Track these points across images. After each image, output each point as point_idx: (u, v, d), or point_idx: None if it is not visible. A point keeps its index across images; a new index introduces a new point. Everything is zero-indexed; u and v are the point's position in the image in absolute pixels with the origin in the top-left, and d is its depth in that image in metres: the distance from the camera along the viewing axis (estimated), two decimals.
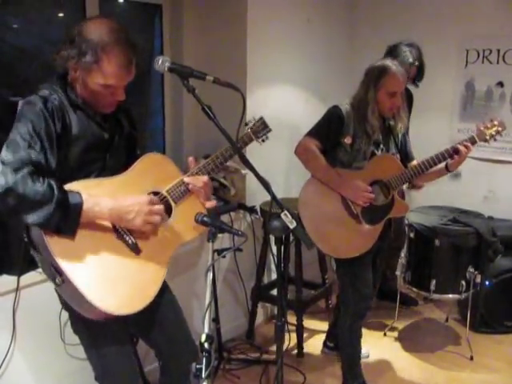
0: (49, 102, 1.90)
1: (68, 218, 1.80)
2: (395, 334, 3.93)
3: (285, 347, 3.54)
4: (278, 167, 3.88)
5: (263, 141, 2.39)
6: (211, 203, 2.23)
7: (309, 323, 3.89)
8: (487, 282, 3.83)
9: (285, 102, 3.92)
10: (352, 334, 3.11)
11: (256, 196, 3.49)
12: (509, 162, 4.20)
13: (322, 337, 3.69)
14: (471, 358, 3.62)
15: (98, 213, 1.87)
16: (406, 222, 3.81)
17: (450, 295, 3.66)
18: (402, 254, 3.72)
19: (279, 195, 3.74)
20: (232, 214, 3.43)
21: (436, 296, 3.67)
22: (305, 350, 3.64)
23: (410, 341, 3.84)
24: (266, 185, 1.98)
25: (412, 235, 3.73)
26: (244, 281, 3.70)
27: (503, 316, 3.96)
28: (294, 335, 3.61)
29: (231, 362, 3.48)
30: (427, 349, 3.75)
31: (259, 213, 3.52)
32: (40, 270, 2.54)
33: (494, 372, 3.51)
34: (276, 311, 3.92)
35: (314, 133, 2.93)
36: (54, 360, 2.71)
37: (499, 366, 3.58)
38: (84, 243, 1.88)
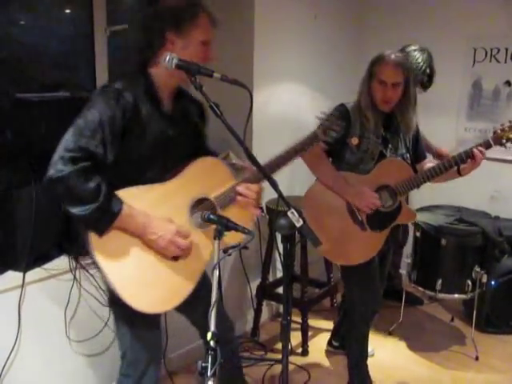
0: (121, 96, 1.97)
1: (102, 221, 1.91)
2: (400, 332, 3.91)
3: (289, 345, 3.56)
4: None
5: (331, 138, 2.35)
6: (257, 212, 2.26)
7: (313, 322, 3.88)
8: (493, 282, 3.82)
9: (291, 99, 3.90)
10: (360, 338, 3.10)
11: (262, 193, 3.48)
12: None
13: (327, 335, 3.69)
14: (476, 358, 3.61)
15: (128, 224, 1.96)
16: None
17: (456, 295, 3.65)
18: (408, 253, 3.70)
19: (283, 193, 3.75)
20: None
21: (442, 296, 3.67)
22: (309, 349, 3.64)
23: (415, 340, 3.83)
24: (273, 183, 1.98)
25: (418, 234, 3.72)
26: (249, 279, 3.69)
27: (509, 316, 3.95)
28: (298, 333, 3.61)
29: None
30: (432, 348, 3.74)
31: (265, 210, 3.52)
32: (45, 266, 2.59)
33: (499, 372, 3.50)
34: (281, 309, 3.95)
35: None
36: (59, 356, 2.72)
37: (505, 366, 3.57)
38: (124, 243, 1.99)
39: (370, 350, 3.51)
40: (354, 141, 2.76)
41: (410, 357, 3.65)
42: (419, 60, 3.45)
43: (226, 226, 2.30)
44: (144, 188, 2.05)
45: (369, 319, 3.10)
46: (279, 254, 2.63)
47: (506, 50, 4.14)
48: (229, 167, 2.31)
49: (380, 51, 2.77)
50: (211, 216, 2.40)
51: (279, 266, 3.84)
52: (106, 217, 1.90)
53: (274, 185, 1.97)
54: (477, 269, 3.58)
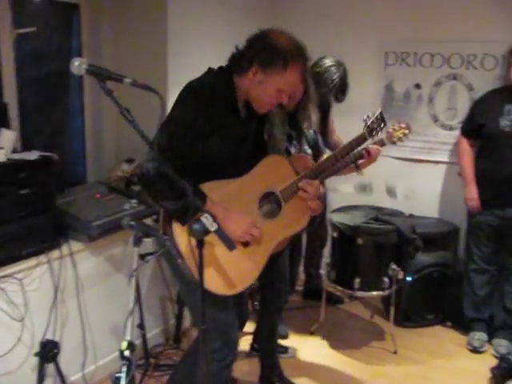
0: (203, 92, 2.20)
1: (188, 214, 2.02)
2: (322, 332, 3.97)
3: None
4: None
5: (377, 136, 2.60)
6: (313, 205, 2.47)
7: None
8: (409, 278, 3.95)
9: None
10: (271, 330, 3.20)
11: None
12: (427, 162, 4.35)
13: (249, 338, 3.69)
14: (395, 352, 3.73)
15: None
16: (329, 221, 3.87)
17: (374, 292, 3.74)
18: (326, 254, 3.77)
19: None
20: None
21: (360, 294, 3.75)
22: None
23: (336, 338, 3.90)
24: (185, 187, 1.96)
25: (335, 235, 3.79)
26: (171, 285, 3.65)
27: (424, 310, 4.11)
28: None
29: (159, 367, 3.42)
30: (353, 345, 3.82)
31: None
32: None
33: (416, 364, 3.64)
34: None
35: None
36: None
37: (421, 357, 3.71)
38: None
39: (289, 350, 3.56)
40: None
41: (332, 355, 3.71)
42: (334, 77, 3.52)
43: (146, 232, 2.29)
44: (220, 183, 2.27)
45: (279, 309, 3.17)
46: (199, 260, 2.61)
47: (415, 53, 4.30)
48: (291, 164, 2.51)
49: None
50: (132, 223, 2.38)
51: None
52: (192, 211, 2.01)
53: (187, 189, 1.96)
54: (393, 266, 3.69)
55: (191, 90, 2.22)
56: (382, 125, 2.60)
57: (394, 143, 3.04)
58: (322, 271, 3.92)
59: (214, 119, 2.18)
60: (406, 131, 3.00)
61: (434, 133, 4.33)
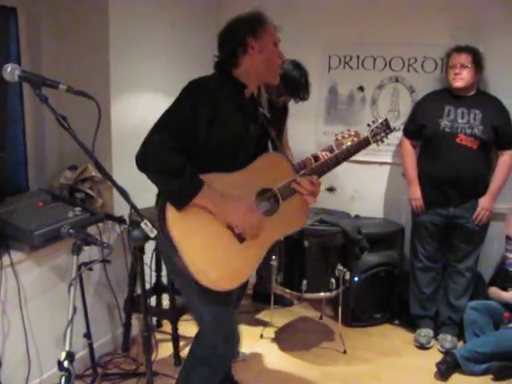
0: (209, 87, 2.29)
1: (184, 194, 2.15)
2: (272, 335, 3.99)
3: (162, 356, 3.51)
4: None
5: (381, 142, 2.61)
6: (311, 200, 2.47)
7: (186, 331, 3.86)
8: (356, 278, 4.00)
9: (151, 109, 3.81)
10: None
11: (124, 206, 3.41)
12: (372, 163, 4.41)
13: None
14: (344, 352, 3.77)
15: (207, 200, 2.20)
16: None
17: (322, 293, 3.76)
18: (274, 257, 3.78)
19: (148, 204, 3.69)
20: (100, 225, 3.32)
21: (308, 295, 3.76)
22: (182, 358, 3.61)
23: (286, 340, 3.92)
24: (124, 194, 1.96)
25: (281, 237, 3.80)
26: (118, 293, 3.60)
27: (372, 309, 4.17)
28: (171, 344, 3.58)
29: (107, 376, 3.38)
30: (303, 347, 3.85)
31: (128, 223, 3.46)
32: None
33: (366, 362, 3.68)
34: (153, 321, 3.89)
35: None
36: None
37: (370, 356, 3.76)
38: (199, 222, 2.23)
39: (240, 355, 3.56)
40: None
41: (282, 357, 3.73)
42: (298, 77, 3.60)
43: (84, 240, 2.25)
44: (218, 175, 2.28)
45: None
46: (138, 266, 2.59)
47: (358, 57, 4.37)
48: (289, 162, 2.57)
49: None
50: (71, 231, 2.34)
51: (147, 277, 3.77)
52: (189, 190, 2.14)
53: (126, 196, 1.94)
54: (339, 267, 3.72)
55: (196, 82, 2.34)
56: (388, 131, 2.60)
57: None
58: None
59: (219, 108, 2.25)
60: (355, 139, 3.03)
61: None
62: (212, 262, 2.25)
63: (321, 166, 2.51)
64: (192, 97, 2.25)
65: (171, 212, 2.20)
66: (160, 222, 2.22)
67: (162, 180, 2.19)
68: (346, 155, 2.57)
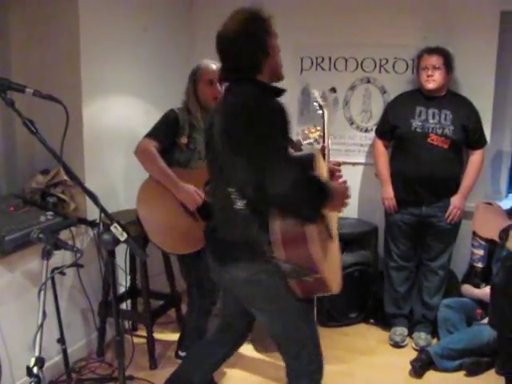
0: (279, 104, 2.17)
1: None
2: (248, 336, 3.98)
3: (137, 360, 3.50)
4: (119, 178, 3.81)
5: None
6: None
7: (161, 334, 3.86)
8: None
9: (124, 112, 3.85)
10: (198, 331, 3.21)
11: (97, 210, 3.39)
12: (345, 163, 4.42)
13: (175, 347, 3.66)
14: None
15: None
16: None
17: None
18: None
19: (122, 207, 3.69)
20: (73, 229, 3.30)
21: None
22: (158, 362, 3.60)
23: (261, 342, 3.91)
24: (93, 197, 1.95)
25: None
26: (92, 297, 3.56)
27: (347, 309, 4.19)
28: (146, 347, 3.56)
29: (81, 382, 3.35)
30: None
31: (98, 226, 3.44)
32: None
33: (341, 362, 3.69)
34: (127, 324, 3.88)
35: (152, 134, 3.08)
36: None
37: (346, 355, 3.78)
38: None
39: None
40: (183, 140, 3.05)
41: (258, 359, 3.73)
42: None
43: (54, 245, 2.24)
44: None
45: (208, 311, 3.24)
46: (110, 269, 2.58)
47: (330, 58, 4.40)
48: None
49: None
50: (41, 235, 2.32)
51: (122, 281, 3.76)
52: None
53: (95, 199, 1.94)
54: None
55: (261, 105, 2.09)
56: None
57: (310, 144, 3.11)
58: None
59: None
60: (322, 133, 3.08)
61: (351, 135, 4.44)
62: (333, 270, 2.33)
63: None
64: (273, 122, 2.06)
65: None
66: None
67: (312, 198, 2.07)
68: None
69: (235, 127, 2.08)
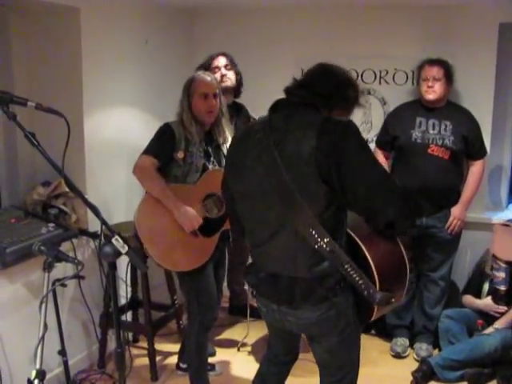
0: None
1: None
2: (248, 348, 3.99)
3: (138, 372, 3.50)
4: (120, 190, 3.83)
5: None
6: None
7: (162, 346, 3.85)
8: None
9: (125, 124, 3.87)
10: (198, 347, 3.18)
11: (99, 221, 3.40)
12: None
13: (176, 358, 3.66)
14: None
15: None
16: None
17: None
18: None
19: (122, 219, 3.70)
20: (74, 241, 3.31)
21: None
22: (159, 374, 3.59)
23: (262, 353, 3.89)
24: (94, 210, 1.96)
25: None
26: (93, 309, 3.57)
27: None
28: (147, 359, 3.56)
29: None
30: None
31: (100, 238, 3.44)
32: None
33: None
34: (128, 336, 3.87)
35: (149, 150, 3.04)
36: None
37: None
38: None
39: (217, 368, 3.56)
40: (180, 154, 3.00)
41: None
42: None
43: (56, 257, 2.24)
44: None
45: (208, 327, 3.19)
46: (109, 281, 2.58)
47: None
48: None
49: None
50: (42, 248, 2.33)
51: (123, 293, 3.76)
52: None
53: (96, 211, 1.95)
54: None
55: (355, 129, 2.04)
56: None
57: None
58: (246, 287, 3.93)
59: None
60: None
61: None
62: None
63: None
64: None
65: None
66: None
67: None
68: None
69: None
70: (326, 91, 2.10)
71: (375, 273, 2.07)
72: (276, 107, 2.17)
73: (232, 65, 3.86)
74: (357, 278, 1.95)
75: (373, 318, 2.23)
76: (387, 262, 2.17)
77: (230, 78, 3.82)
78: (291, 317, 2.15)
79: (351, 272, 1.95)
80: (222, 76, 3.79)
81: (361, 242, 2.14)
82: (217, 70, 3.80)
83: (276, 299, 2.17)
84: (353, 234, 2.16)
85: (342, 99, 2.16)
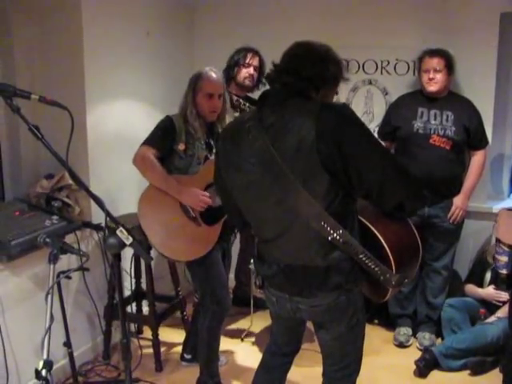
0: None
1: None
2: (252, 338, 4.02)
3: (143, 363, 3.51)
4: (124, 183, 3.83)
5: None
6: None
7: (167, 336, 3.87)
8: None
9: (127, 116, 3.88)
10: (210, 336, 3.20)
11: (102, 213, 3.41)
12: None
13: (180, 349, 3.68)
14: None
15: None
16: None
17: None
18: (252, 260, 3.79)
19: (126, 211, 3.71)
20: (78, 233, 3.33)
21: None
22: (164, 364, 3.62)
23: (266, 343, 3.92)
24: (98, 202, 1.97)
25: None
26: (98, 300, 3.59)
27: None
28: (152, 350, 3.58)
29: None
30: None
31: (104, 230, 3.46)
32: None
33: None
34: (133, 327, 3.90)
35: (149, 141, 3.06)
36: None
37: None
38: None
39: (222, 359, 3.58)
40: (181, 146, 3.03)
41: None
42: None
43: (61, 249, 2.26)
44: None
45: (221, 318, 3.21)
46: (114, 273, 2.60)
47: None
48: None
49: (198, 70, 3.16)
50: (47, 240, 2.35)
51: (128, 284, 3.77)
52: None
53: (100, 203, 1.96)
54: None
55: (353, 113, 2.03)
56: None
57: None
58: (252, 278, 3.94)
59: None
60: None
61: None
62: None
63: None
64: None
65: None
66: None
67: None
68: None
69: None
70: (310, 73, 2.03)
71: (390, 256, 2.07)
72: (264, 99, 2.11)
73: (260, 69, 3.89)
74: (372, 266, 1.98)
75: (385, 299, 2.26)
76: (400, 242, 2.16)
77: (254, 79, 3.87)
78: (303, 305, 2.15)
79: (366, 261, 1.97)
80: (250, 75, 3.84)
81: (371, 226, 2.13)
82: (248, 66, 3.84)
83: (289, 289, 2.15)
84: (362, 219, 2.15)
85: (327, 78, 2.08)
